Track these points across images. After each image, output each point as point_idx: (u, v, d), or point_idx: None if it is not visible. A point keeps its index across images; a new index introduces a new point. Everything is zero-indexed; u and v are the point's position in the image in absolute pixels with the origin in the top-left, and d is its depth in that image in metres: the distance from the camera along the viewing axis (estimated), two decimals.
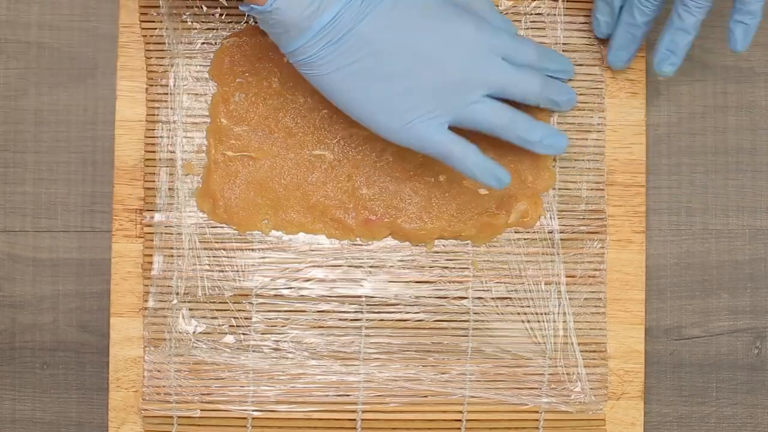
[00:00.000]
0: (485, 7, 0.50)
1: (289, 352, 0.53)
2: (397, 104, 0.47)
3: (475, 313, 0.53)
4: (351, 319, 0.53)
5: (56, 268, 0.54)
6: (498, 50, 0.48)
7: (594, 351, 0.53)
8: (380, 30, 0.45)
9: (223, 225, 0.53)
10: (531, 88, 0.49)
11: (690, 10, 0.48)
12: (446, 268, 0.54)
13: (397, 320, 0.53)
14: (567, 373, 0.53)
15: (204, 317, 0.53)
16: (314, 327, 0.53)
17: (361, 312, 0.53)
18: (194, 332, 0.53)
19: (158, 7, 0.53)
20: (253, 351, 0.53)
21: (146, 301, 0.53)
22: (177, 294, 0.53)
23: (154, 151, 0.53)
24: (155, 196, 0.53)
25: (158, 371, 0.53)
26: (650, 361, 0.55)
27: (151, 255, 0.53)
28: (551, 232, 0.54)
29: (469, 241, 0.53)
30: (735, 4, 0.47)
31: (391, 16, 0.46)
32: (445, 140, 0.47)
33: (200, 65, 0.54)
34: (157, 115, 0.53)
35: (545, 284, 0.54)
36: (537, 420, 0.53)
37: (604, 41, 0.54)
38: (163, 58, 0.53)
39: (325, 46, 0.45)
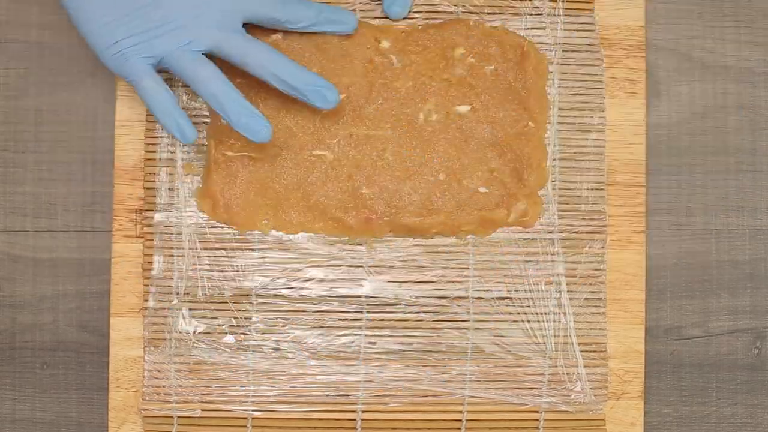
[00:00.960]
0: None
1: (289, 352, 0.53)
2: (111, 29, 0.46)
3: (475, 313, 0.53)
4: (351, 319, 0.53)
5: (56, 268, 0.54)
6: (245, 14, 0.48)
7: (594, 351, 0.53)
8: None
9: (223, 225, 0.53)
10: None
11: None
12: (446, 268, 0.54)
13: (397, 320, 0.53)
14: (567, 373, 0.53)
15: (204, 317, 0.53)
16: (314, 327, 0.53)
17: (362, 312, 0.53)
18: (194, 332, 0.53)
19: None
20: (253, 351, 0.53)
21: (146, 301, 0.53)
22: (177, 294, 0.53)
23: (154, 151, 0.53)
24: (155, 196, 0.53)
25: (158, 371, 0.53)
26: (650, 361, 0.55)
27: (151, 255, 0.53)
28: (551, 232, 0.54)
29: (469, 242, 0.53)
30: None
31: None
32: (148, 81, 0.47)
33: None
34: None
35: (545, 284, 0.53)
36: (537, 420, 0.53)
37: (604, 42, 0.54)
38: None
39: None
